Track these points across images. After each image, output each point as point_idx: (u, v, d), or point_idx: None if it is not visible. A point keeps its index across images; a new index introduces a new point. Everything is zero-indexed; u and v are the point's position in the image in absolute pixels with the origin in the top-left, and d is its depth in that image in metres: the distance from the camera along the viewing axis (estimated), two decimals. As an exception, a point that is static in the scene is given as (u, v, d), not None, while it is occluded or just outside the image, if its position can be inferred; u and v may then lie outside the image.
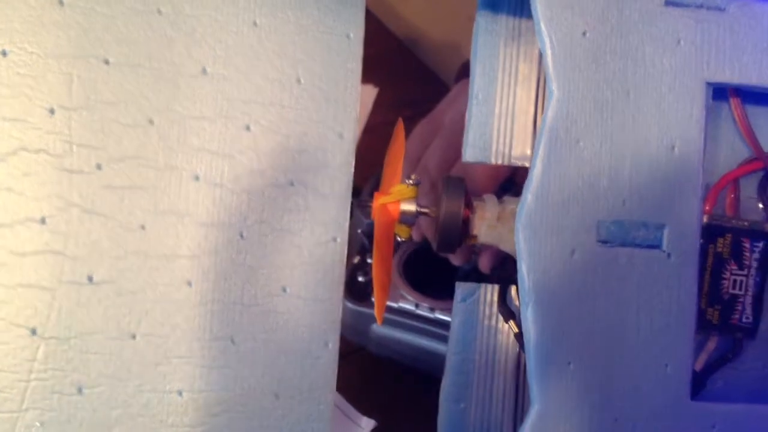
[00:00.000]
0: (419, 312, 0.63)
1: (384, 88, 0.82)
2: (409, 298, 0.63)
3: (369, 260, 0.66)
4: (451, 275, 0.58)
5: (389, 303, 0.63)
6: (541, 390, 0.36)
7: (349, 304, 0.64)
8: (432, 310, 0.63)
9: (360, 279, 0.66)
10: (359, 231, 0.70)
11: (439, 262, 0.60)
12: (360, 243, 0.69)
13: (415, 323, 0.63)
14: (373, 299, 0.63)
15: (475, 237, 0.42)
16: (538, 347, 0.36)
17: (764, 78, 0.38)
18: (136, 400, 0.38)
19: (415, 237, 0.65)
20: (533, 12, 0.37)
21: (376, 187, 0.68)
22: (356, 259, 0.67)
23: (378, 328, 0.64)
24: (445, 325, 0.58)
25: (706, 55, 0.38)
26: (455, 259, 0.61)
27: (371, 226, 0.68)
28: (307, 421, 0.39)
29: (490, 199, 0.42)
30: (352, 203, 0.70)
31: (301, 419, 0.39)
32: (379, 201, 0.42)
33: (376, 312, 0.42)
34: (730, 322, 0.41)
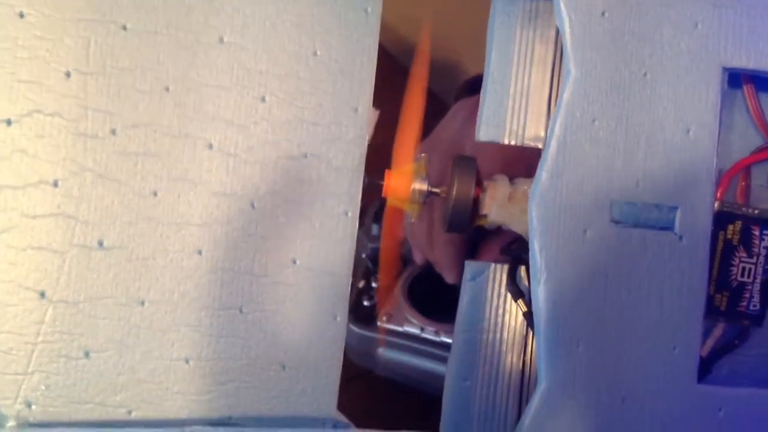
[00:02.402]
0: (424, 335, 0.64)
1: (385, 109, 0.82)
2: (414, 321, 0.63)
3: (374, 284, 0.67)
4: (456, 299, 0.59)
5: (395, 327, 0.63)
6: (550, 368, 0.36)
7: (355, 329, 0.64)
8: (437, 333, 0.63)
9: (365, 303, 0.66)
10: (363, 256, 0.70)
11: (443, 285, 0.60)
12: (365, 267, 0.69)
13: (420, 346, 0.64)
14: (378, 323, 0.63)
15: (485, 216, 0.42)
16: (549, 325, 0.36)
17: (780, 64, 0.38)
18: (142, 366, 0.38)
19: (417, 260, 0.65)
20: (553, -10, 0.37)
21: (380, 209, 0.68)
22: (361, 284, 0.68)
23: (384, 352, 0.65)
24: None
25: (723, 39, 0.38)
26: (449, 277, 0.61)
27: (376, 250, 0.69)
28: (313, 393, 0.39)
29: (502, 179, 0.42)
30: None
31: (307, 390, 0.39)
32: (390, 179, 0.42)
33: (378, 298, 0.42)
34: (737, 309, 0.41)
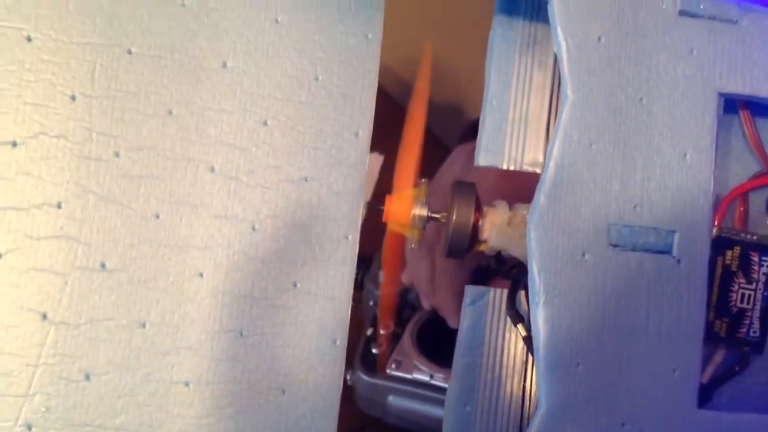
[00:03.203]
0: (434, 382, 0.64)
1: (390, 154, 0.82)
2: (424, 368, 0.63)
3: (382, 332, 0.67)
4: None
5: (404, 374, 0.64)
6: (549, 391, 0.36)
7: (365, 377, 0.64)
8: (446, 380, 0.63)
9: (374, 351, 0.66)
10: (371, 303, 0.70)
11: (452, 331, 0.61)
12: (372, 315, 0.69)
13: (430, 393, 0.63)
14: (388, 371, 0.63)
15: (485, 242, 0.42)
16: (547, 348, 0.36)
17: (775, 90, 0.39)
18: (143, 388, 0.38)
19: (425, 306, 0.65)
20: (550, 17, 0.38)
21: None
22: (369, 331, 0.68)
23: (394, 400, 0.65)
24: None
25: (718, 65, 0.39)
26: (452, 322, 0.61)
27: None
28: (312, 418, 0.39)
29: (501, 205, 0.42)
30: (362, 275, 0.71)
31: (307, 415, 0.39)
32: (391, 204, 0.42)
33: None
34: (737, 336, 0.41)
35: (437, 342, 0.65)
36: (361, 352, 0.67)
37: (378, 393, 0.65)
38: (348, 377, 0.65)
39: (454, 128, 0.89)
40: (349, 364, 0.65)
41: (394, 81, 0.89)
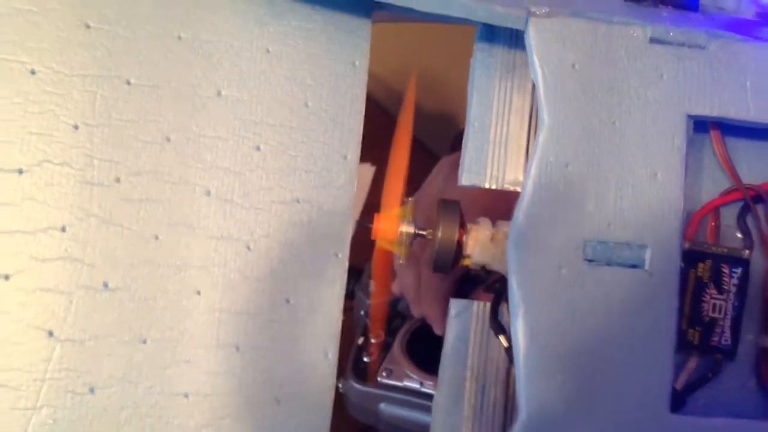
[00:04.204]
0: (424, 390, 0.65)
1: (381, 165, 0.84)
2: (414, 376, 0.65)
3: (373, 341, 0.69)
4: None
5: (395, 383, 0.65)
6: (529, 400, 0.39)
7: (356, 385, 0.66)
8: (435, 387, 0.64)
9: (365, 359, 0.68)
10: (362, 313, 0.72)
11: (441, 340, 0.62)
12: (363, 324, 0.71)
13: (420, 401, 0.65)
14: (379, 379, 0.65)
15: (469, 257, 0.44)
16: (527, 358, 0.39)
17: (742, 112, 0.41)
18: (145, 401, 0.40)
19: (415, 314, 0.67)
20: (527, 45, 0.40)
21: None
22: (360, 340, 0.69)
23: (386, 407, 0.66)
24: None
25: (687, 89, 0.41)
26: (438, 330, 0.63)
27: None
28: (306, 427, 0.41)
29: (484, 222, 0.44)
30: (353, 285, 0.73)
31: (301, 424, 0.41)
32: (379, 222, 0.45)
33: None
34: (709, 344, 0.43)
35: (427, 350, 0.66)
36: (352, 361, 0.68)
37: (369, 401, 0.66)
38: (340, 385, 0.67)
39: (444, 138, 0.91)
40: (341, 373, 0.67)
41: (385, 91, 0.91)
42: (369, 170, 0.85)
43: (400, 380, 0.65)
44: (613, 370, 0.39)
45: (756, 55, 0.41)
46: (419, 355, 0.67)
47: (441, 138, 0.91)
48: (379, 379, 0.66)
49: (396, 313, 0.72)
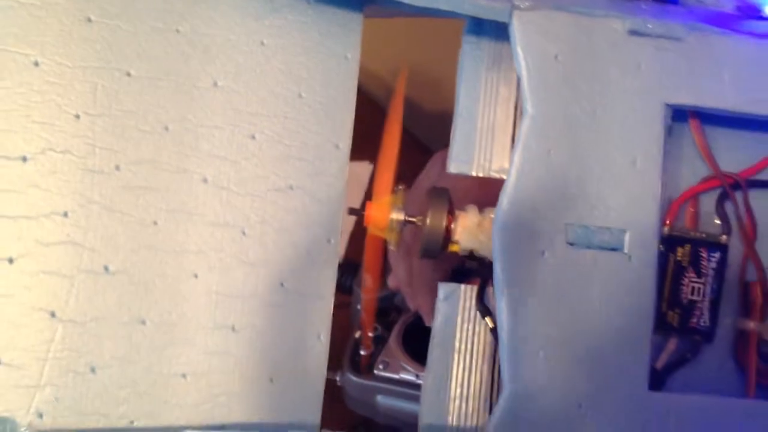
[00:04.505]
0: (420, 382, 0.66)
1: (373, 158, 0.85)
2: (410, 368, 0.66)
3: (370, 334, 0.70)
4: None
5: (391, 375, 0.66)
6: (513, 375, 0.40)
7: (353, 378, 0.67)
8: None
9: (362, 353, 0.69)
10: (358, 307, 0.73)
11: None
12: (360, 318, 0.72)
13: (416, 392, 0.65)
14: (375, 372, 0.66)
15: (457, 243, 0.46)
16: (510, 336, 0.40)
17: (718, 101, 0.43)
18: (143, 380, 0.42)
19: (411, 307, 0.68)
20: (511, 37, 0.42)
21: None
22: (357, 334, 0.70)
23: (383, 400, 0.67)
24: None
25: (664, 79, 0.42)
26: (428, 320, 0.65)
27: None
28: (300, 403, 0.43)
29: (471, 209, 0.46)
30: (351, 281, 0.74)
31: (295, 401, 0.43)
32: (371, 209, 0.46)
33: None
34: (688, 325, 0.45)
35: (422, 343, 0.67)
36: (349, 355, 0.69)
37: (367, 393, 0.67)
38: (338, 378, 0.68)
39: (438, 133, 0.92)
40: (339, 366, 0.68)
41: (382, 88, 0.92)
42: (367, 168, 0.87)
43: (397, 372, 0.67)
44: (592, 348, 0.41)
45: (733, 47, 0.43)
46: (415, 348, 0.68)
47: (435, 132, 0.92)
48: (375, 371, 0.67)
49: (392, 307, 0.74)
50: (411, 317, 0.70)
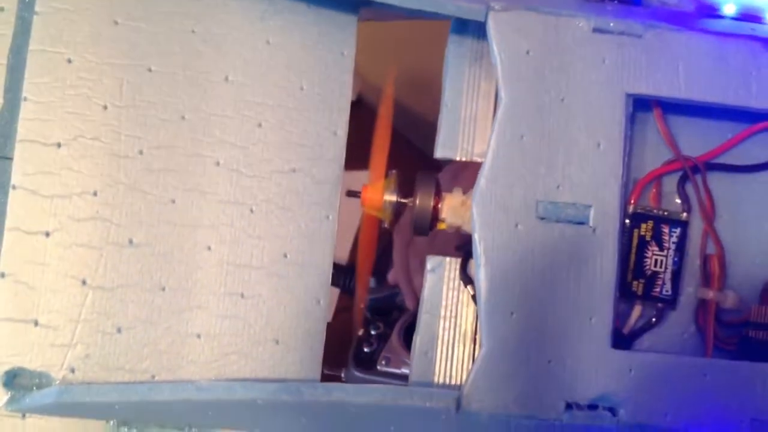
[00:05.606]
0: None
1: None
2: (411, 364, 0.70)
3: (373, 332, 0.74)
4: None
5: (393, 370, 0.70)
6: (489, 335, 0.45)
7: (357, 374, 0.71)
8: None
9: (366, 350, 0.72)
10: (362, 305, 0.77)
11: None
12: (363, 316, 0.76)
13: None
14: (378, 367, 0.71)
15: (443, 221, 0.51)
16: (487, 300, 0.45)
17: (673, 91, 0.48)
18: (163, 339, 0.47)
19: (410, 307, 0.73)
20: (488, 35, 0.47)
21: (377, 263, 0.75)
22: (361, 331, 0.74)
23: None
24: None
25: (626, 71, 0.47)
26: (410, 303, 0.69)
27: (374, 301, 0.77)
28: (302, 363, 0.48)
29: (456, 190, 0.51)
30: (354, 282, 0.78)
31: (296, 361, 0.48)
32: (366, 192, 0.51)
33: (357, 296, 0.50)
34: (652, 294, 0.50)
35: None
36: (353, 352, 0.73)
37: None
38: (342, 375, 0.72)
39: (430, 135, 0.96)
40: (343, 363, 0.72)
41: (376, 92, 0.97)
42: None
43: (398, 368, 0.70)
44: (560, 310, 0.46)
45: (688, 43, 0.48)
46: None
47: (426, 135, 0.96)
48: (378, 367, 0.71)
49: (394, 306, 0.78)
50: (412, 316, 0.73)
